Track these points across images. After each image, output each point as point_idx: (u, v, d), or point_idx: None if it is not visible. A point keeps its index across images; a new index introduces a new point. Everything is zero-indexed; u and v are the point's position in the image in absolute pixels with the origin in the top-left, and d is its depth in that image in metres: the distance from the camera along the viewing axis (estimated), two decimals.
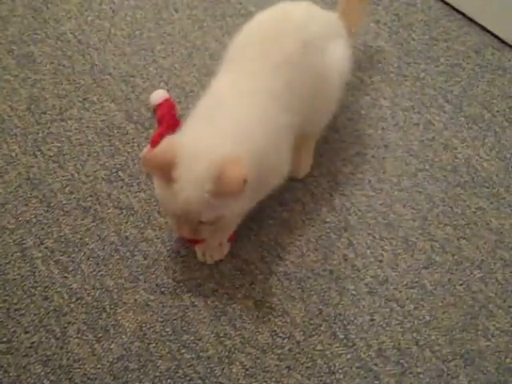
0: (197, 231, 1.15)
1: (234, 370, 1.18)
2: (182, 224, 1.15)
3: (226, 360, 1.19)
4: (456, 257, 1.33)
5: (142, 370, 1.18)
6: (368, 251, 1.33)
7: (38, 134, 1.47)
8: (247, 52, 1.26)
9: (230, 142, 1.14)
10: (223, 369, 1.19)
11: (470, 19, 1.72)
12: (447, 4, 1.74)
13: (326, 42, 1.31)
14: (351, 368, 1.20)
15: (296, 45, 1.23)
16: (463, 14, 1.73)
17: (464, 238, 1.35)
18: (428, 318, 1.25)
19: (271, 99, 1.20)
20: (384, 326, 1.24)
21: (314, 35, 1.27)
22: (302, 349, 1.21)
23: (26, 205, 1.36)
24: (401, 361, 1.21)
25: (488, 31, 1.69)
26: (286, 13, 1.30)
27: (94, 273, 1.28)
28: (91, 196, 1.38)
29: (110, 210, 1.36)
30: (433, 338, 1.23)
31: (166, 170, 1.10)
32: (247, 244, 1.33)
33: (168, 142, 1.15)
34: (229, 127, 1.16)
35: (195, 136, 1.16)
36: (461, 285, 1.29)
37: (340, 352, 1.21)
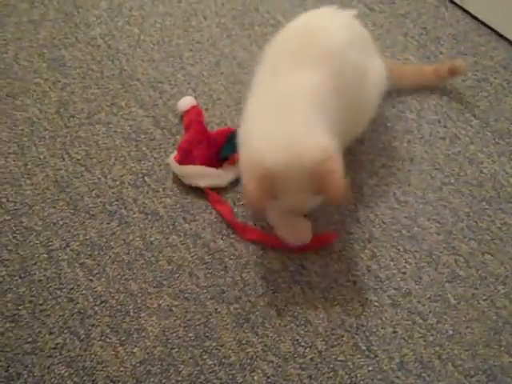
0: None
1: (255, 378, 1.19)
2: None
3: (248, 367, 1.20)
4: (480, 272, 1.32)
5: (164, 375, 1.19)
6: (391, 263, 1.33)
7: (66, 137, 1.49)
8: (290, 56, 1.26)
9: (311, 139, 1.14)
10: (245, 376, 1.19)
11: (499, 34, 1.72)
12: (475, 18, 1.74)
13: (365, 57, 1.33)
14: (372, 380, 1.19)
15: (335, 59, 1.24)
16: (491, 29, 1.72)
17: (489, 253, 1.35)
18: (451, 332, 1.25)
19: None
20: (406, 338, 1.24)
21: (352, 52, 1.29)
22: (324, 358, 1.21)
23: (53, 207, 1.37)
24: (422, 374, 1.20)
25: None
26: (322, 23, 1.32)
27: (119, 276, 1.29)
28: (117, 200, 1.39)
29: (135, 215, 1.37)
30: (455, 352, 1.22)
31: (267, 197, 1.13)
32: (270, 253, 1.33)
33: (254, 171, 1.13)
34: (300, 126, 1.16)
35: (274, 150, 1.13)
36: (485, 300, 1.29)
37: (362, 363, 1.21)
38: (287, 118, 1.16)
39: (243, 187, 1.16)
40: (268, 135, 1.15)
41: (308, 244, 1.31)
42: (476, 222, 1.39)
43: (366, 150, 1.48)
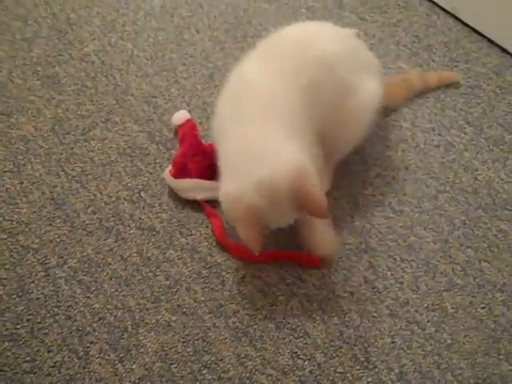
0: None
1: None
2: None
3: (247, 381, 1.20)
4: (478, 280, 1.32)
5: None
6: (388, 273, 1.33)
7: (61, 154, 1.49)
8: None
9: (280, 159, 1.13)
10: None
11: (490, 40, 1.72)
12: (467, 26, 1.75)
13: (356, 75, 1.32)
14: None
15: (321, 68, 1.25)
16: (483, 36, 1.73)
17: (485, 261, 1.35)
18: (449, 341, 1.25)
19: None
20: (405, 348, 1.24)
21: (341, 63, 1.29)
22: (323, 371, 1.21)
23: (50, 224, 1.38)
24: None
25: (508, 53, 1.69)
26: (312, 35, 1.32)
27: (117, 293, 1.29)
28: (113, 216, 1.39)
29: (132, 231, 1.37)
30: (454, 361, 1.22)
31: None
32: (268, 266, 1.33)
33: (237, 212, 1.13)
34: (268, 147, 1.16)
35: (248, 183, 1.13)
36: (483, 308, 1.29)
37: (361, 375, 1.21)
38: (256, 141, 1.16)
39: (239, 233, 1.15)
40: (238, 168, 1.15)
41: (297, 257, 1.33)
42: (472, 229, 1.39)
43: (360, 160, 1.49)
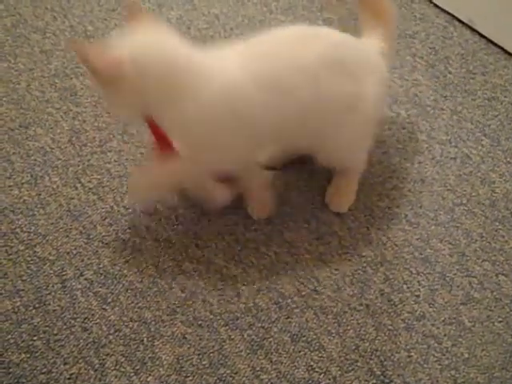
0: None
1: None
2: None
3: None
4: (495, 293, 1.31)
5: None
6: (405, 286, 1.32)
7: (78, 166, 1.50)
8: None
9: None
10: None
11: (508, 52, 1.72)
12: (484, 37, 1.74)
13: (349, 84, 1.26)
14: None
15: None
16: (501, 48, 1.73)
17: (503, 274, 1.34)
18: (466, 355, 1.24)
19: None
20: (421, 362, 1.23)
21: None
22: None
23: (67, 236, 1.39)
24: None
25: None
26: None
27: (133, 305, 1.29)
28: (130, 228, 1.40)
29: (148, 243, 1.38)
30: (471, 376, 1.21)
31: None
32: (283, 277, 1.33)
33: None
34: None
35: None
36: (500, 322, 1.28)
37: None
38: None
39: None
40: None
41: None
42: (489, 242, 1.38)
43: (376, 173, 1.48)
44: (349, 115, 1.26)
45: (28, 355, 1.23)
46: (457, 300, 1.31)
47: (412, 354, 1.24)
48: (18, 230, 1.39)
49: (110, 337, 1.25)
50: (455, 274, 1.34)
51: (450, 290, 1.32)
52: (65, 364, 1.22)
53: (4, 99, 1.62)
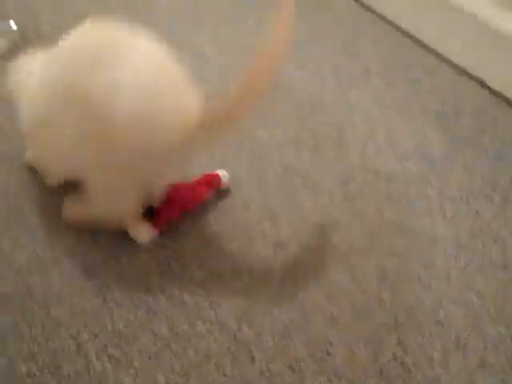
0: None
1: None
2: None
3: None
4: (509, 357, 1.31)
5: None
6: (418, 349, 1.32)
7: None
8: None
9: None
10: None
11: None
12: (494, 92, 1.76)
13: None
14: None
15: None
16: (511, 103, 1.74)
17: None
18: None
19: None
20: None
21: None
22: None
23: (82, 297, 1.39)
24: None
25: None
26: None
27: (146, 368, 1.30)
28: (144, 288, 1.41)
29: (162, 303, 1.38)
30: None
31: None
32: (296, 341, 1.33)
33: None
34: None
35: None
36: None
37: None
38: None
39: None
40: None
41: None
42: (502, 305, 1.38)
43: (385, 231, 1.49)
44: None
45: None
46: (471, 364, 1.30)
47: None
48: (32, 287, 1.40)
49: None
50: (469, 336, 1.34)
51: (464, 354, 1.32)
52: None
53: None
